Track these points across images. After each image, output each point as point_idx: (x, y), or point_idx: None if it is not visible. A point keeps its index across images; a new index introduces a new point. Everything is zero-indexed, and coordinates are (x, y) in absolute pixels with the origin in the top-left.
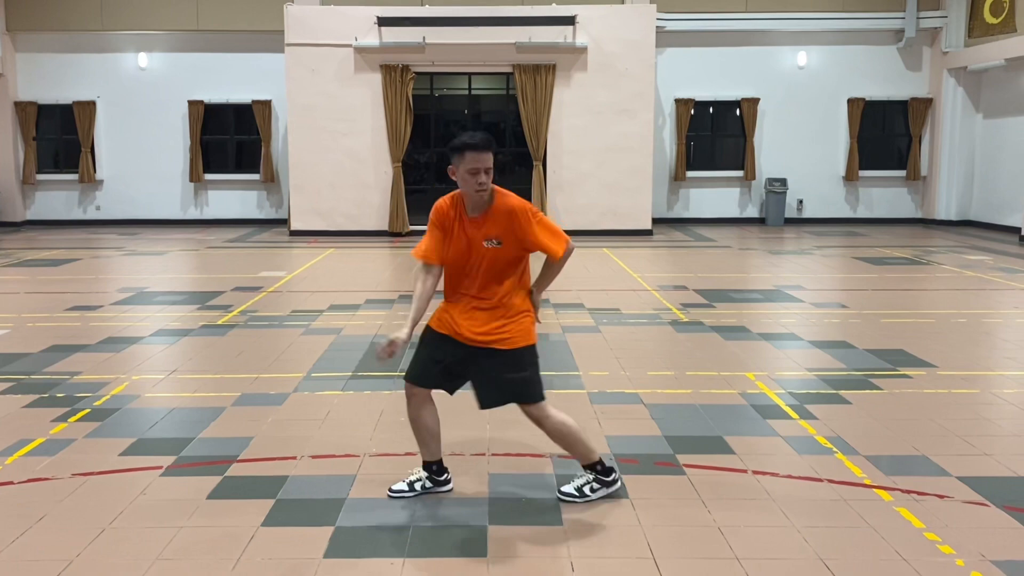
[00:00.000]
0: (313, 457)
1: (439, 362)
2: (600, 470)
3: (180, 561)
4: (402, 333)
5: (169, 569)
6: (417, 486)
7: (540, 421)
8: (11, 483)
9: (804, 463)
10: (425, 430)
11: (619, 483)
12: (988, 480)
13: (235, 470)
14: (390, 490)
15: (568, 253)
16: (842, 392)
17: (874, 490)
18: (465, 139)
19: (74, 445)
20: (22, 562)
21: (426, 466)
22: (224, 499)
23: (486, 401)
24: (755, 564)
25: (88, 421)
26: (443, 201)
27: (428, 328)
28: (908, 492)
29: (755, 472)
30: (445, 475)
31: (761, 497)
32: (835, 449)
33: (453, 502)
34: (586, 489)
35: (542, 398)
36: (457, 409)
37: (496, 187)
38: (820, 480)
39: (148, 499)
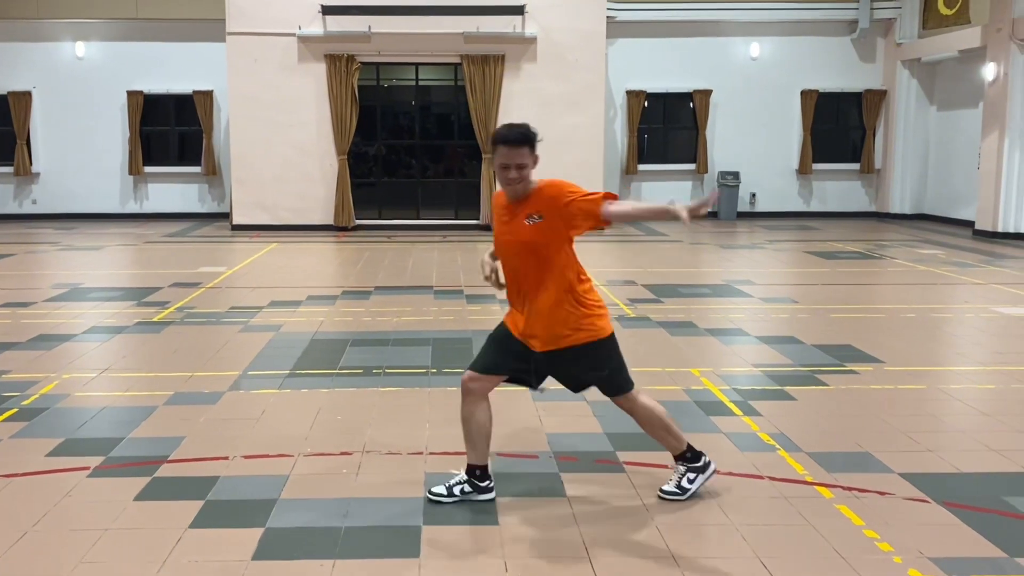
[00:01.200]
0: (246, 457)
1: (509, 353)
2: (690, 458)
3: (104, 564)
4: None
5: (93, 572)
6: (456, 491)
7: (630, 411)
8: None
9: (746, 460)
10: (477, 429)
11: (712, 465)
12: (930, 477)
13: (165, 471)
14: (429, 492)
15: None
16: (787, 388)
17: (815, 487)
18: (501, 131)
19: (0, 445)
20: None
21: (470, 470)
22: (152, 500)
23: (576, 389)
24: (692, 562)
25: (15, 421)
26: (498, 191)
27: (502, 323)
28: (849, 489)
29: None
30: (488, 481)
31: (701, 494)
32: (778, 446)
33: (386, 502)
34: (684, 483)
35: (630, 388)
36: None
37: (543, 180)
38: (761, 478)
39: (74, 501)
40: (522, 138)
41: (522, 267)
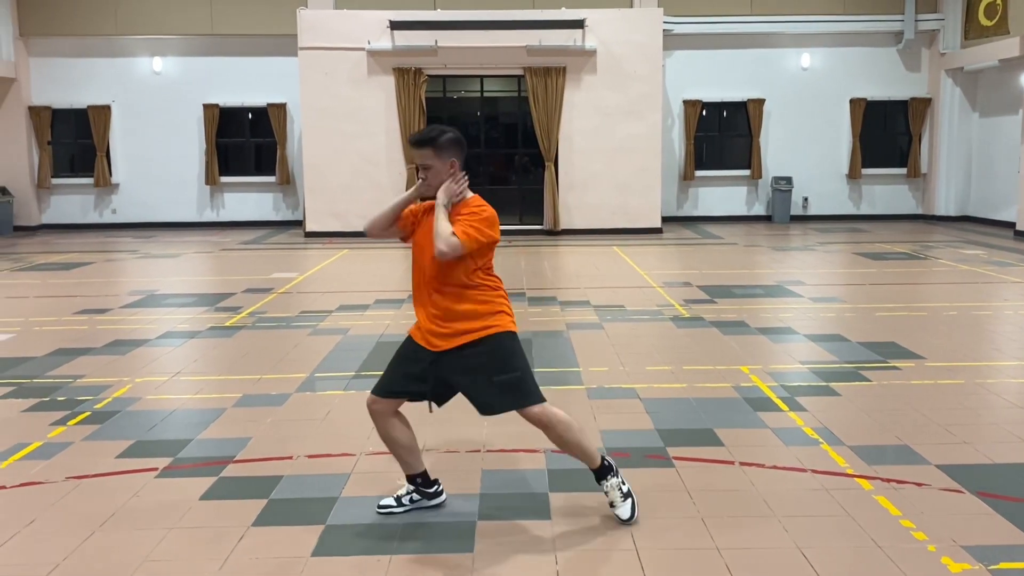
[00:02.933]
0: (309, 457)
1: (408, 373)
2: (607, 468)
3: (167, 563)
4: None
5: (156, 571)
6: (405, 500)
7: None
8: (3, 487)
9: (790, 454)
10: (396, 445)
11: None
12: (965, 468)
13: (230, 471)
14: (379, 506)
15: (450, 247)
16: (832, 384)
17: (855, 479)
18: (412, 135)
19: (71, 448)
20: (7, 567)
21: (411, 479)
22: (217, 500)
23: (485, 408)
24: (734, 554)
25: (87, 424)
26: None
27: (407, 338)
28: (888, 481)
29: (742, 463)
30: (435, 487)
31: (745, 488)
32: (821, 440)
33: (446, 498)
34: (624, 488)
35: (542, 400)
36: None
37: (478, 197)
38: (804, 470)
39: (140, 501)
40: (422, 140)
41: (425, 269)
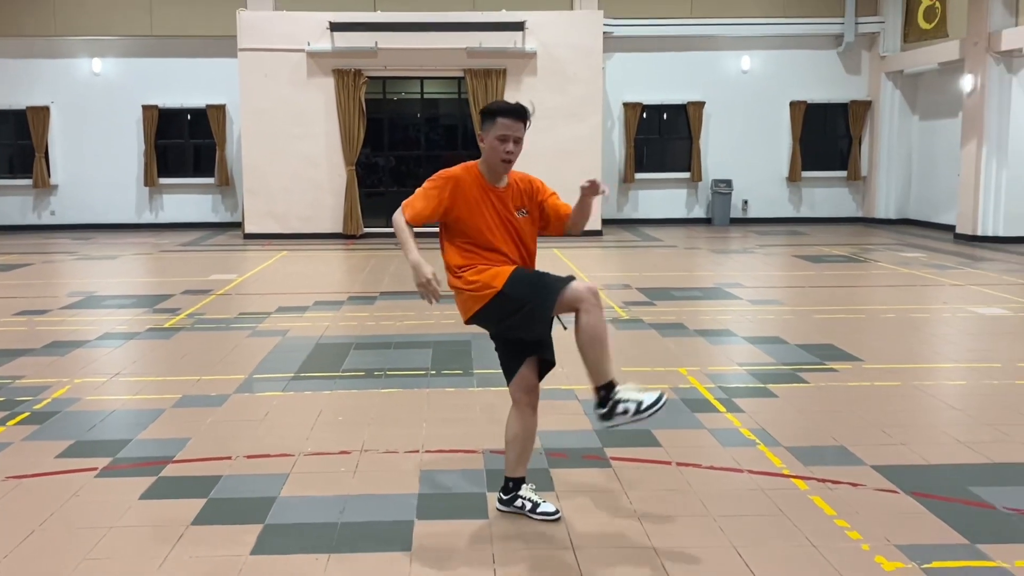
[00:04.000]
0: (248, 457)
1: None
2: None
3: (107, 561)
4: (423, 267)
5: (95, 569)
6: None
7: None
8: None
9: (727, 455)
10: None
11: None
12: (900, 468)
13: (170, 471)
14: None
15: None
16: (770, 386)
17: (791, 480)
18: (500, 104)
19: (10, 448)
20: None
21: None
22: (156, 499)
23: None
24: (670, 553)
25: (27, 424)
26: (457, 171)
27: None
28: (823, 481)
29: (679, 464)
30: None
31: (682, 488)
32: (758, 441)
33: (382, 498)
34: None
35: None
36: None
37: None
38: (741, 471)
39: (80, 500)
40: (522, 113)
41: (500, 248)
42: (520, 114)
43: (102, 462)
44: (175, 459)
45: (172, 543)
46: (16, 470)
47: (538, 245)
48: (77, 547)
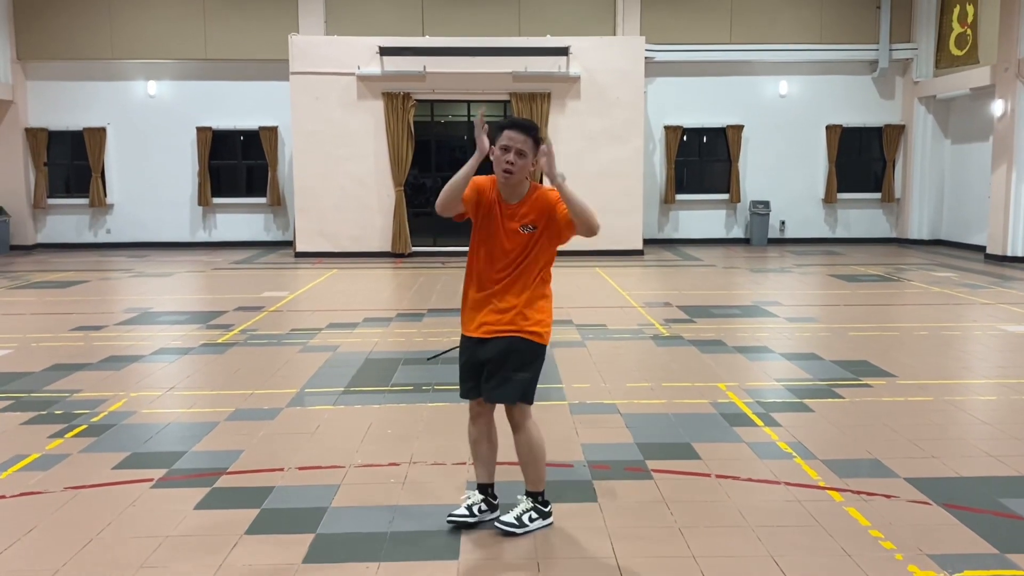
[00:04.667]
0: (300, 468)
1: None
2: (541, 501)
3: (162, 569)
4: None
5: None
6: (476, 510)
7: (518, 426)
8: (3, 497)
9: (764, 467)
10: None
11: (551, 518)
12: (933, 481)
13: (223, 482)
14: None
15: (595, 226)
16: (806, 401)
17: (827, 491)
18: (510, 118)
19: (68, 460)
20: (8, 573)
21: (482, 489)
22: (211, 509)
23: (493, 396)
24: (709, 562)
25: (84, 436)
26: (482, 179)
27: (461, 336)
28: (858, 493)
29: (718, 476)
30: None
31: (721, 499)
32: (794, 454)
33: (430, 508)
34: (525, 518)
35: (530, 403)
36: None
37: (539, 184)
38: (778, 483)
39: (137, 510)
40: (529, 128)
41: (498, 264)
42: (525, 128)
43: (158, 473)
44: (229, 470)
45: (226, 552)
46: (74, 481)
47: (580, 265)
48: (134, 556)
